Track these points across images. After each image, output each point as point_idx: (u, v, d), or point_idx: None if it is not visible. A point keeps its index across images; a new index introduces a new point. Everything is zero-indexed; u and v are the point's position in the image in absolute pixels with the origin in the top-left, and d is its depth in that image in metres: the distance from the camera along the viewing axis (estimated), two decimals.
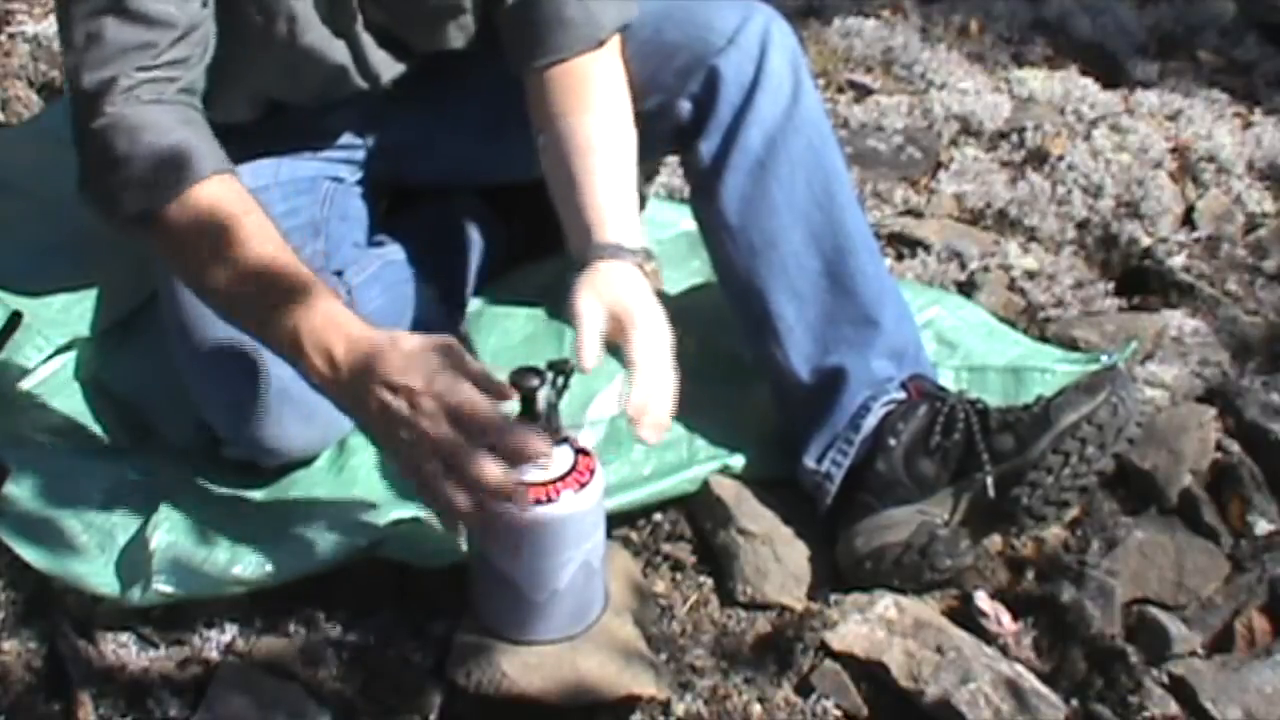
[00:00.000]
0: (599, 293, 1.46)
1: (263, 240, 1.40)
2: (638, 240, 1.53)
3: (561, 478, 1.38)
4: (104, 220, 1.48)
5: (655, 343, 1.44)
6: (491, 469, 1.25)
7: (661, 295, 1.50)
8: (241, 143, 1.67)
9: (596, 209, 1.53)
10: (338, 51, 1.62)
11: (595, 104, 1.58)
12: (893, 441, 1.60)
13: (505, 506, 1.30)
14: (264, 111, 1.69)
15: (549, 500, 1.37)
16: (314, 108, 1.72)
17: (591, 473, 1.40)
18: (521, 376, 1.35)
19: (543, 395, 1.35)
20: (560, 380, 1.36)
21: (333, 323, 1.33)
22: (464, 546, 1.54)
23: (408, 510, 1.59)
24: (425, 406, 1.26)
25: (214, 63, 1.53)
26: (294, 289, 1.36)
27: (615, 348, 1.46)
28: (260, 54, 1.59)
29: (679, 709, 1.47)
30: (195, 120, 1.48)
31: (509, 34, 1.62)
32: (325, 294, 1.36)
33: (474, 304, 1.87)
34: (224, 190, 1.43)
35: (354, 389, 1.31)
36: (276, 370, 1.52)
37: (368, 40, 1.63)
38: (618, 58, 1.62)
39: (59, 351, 1.76)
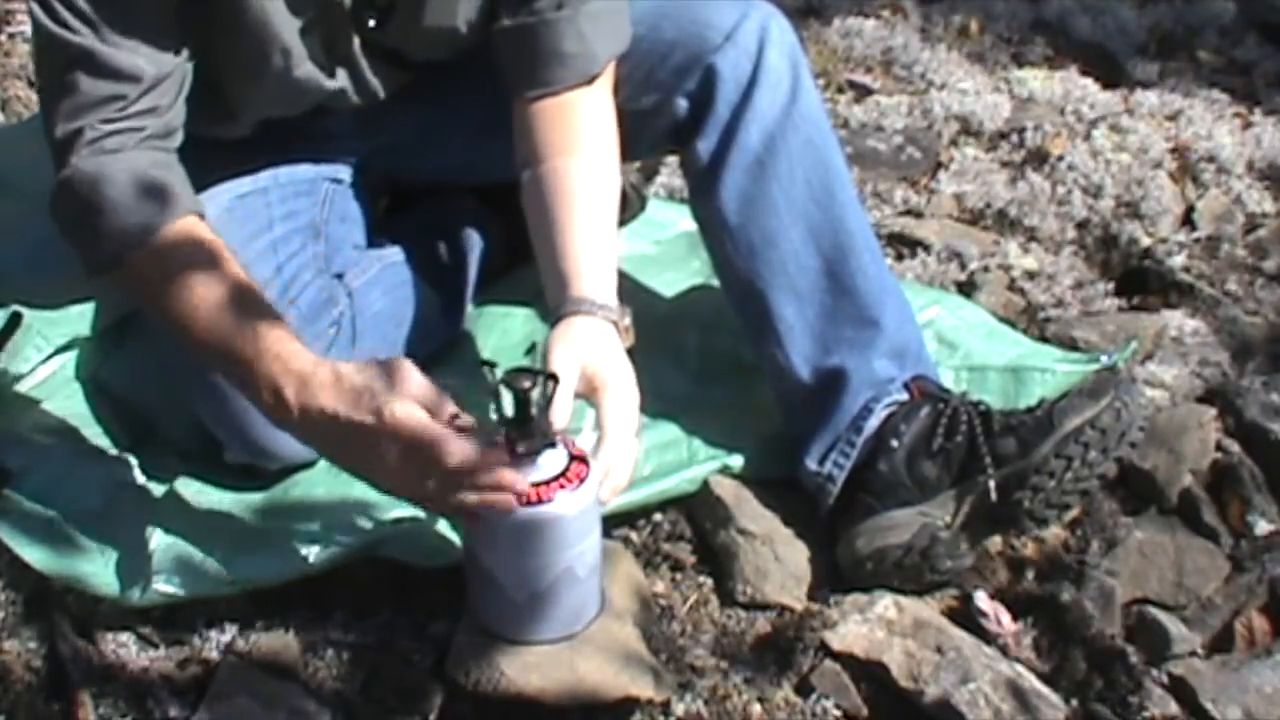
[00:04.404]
0: (573, 350, 1.46)
1: (204, 293, 1.40)
2: (613, 296, 1.53)
3: (549, 481, 1.36)
4: (81, 266, 1.51)
5: (625, 408, 1.46)
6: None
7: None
8: (240, 146, 1.67)
9: (575, 260, 1.53)
10: (335, 78, 1.61)
11: (581, 146, 1.57)
12: (895, 443, 1.59)
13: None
14: (261, 128, 1.68)
15: (536, 502, 1.35)
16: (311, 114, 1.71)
17: (582, 480, 1.38)
18: (515, 378, 1.34)
19: (535, 397, 1.35)
20: (553, 383, 1.36)
21: (279, 361, 1.36)
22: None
23: (408, 510, 1.59)
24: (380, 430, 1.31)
25: (211, 93, 1.54)
26: (239, 334, 1.38)
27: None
28: (256, 84, 1.58)
29: (679, 709, 1.46)
30: (160, 164, 1.48)
31: (502, 54, 1.60)
32: (273, 334, 1.37)
33: (474, 304, 1.86)
34: (179, 238, 1.44)
35: (304, 424, 1.35)
36: None
37: (364, 64, 1.62)
38: (608, 89, 1.61)
39: (59, 351, 1.76)
